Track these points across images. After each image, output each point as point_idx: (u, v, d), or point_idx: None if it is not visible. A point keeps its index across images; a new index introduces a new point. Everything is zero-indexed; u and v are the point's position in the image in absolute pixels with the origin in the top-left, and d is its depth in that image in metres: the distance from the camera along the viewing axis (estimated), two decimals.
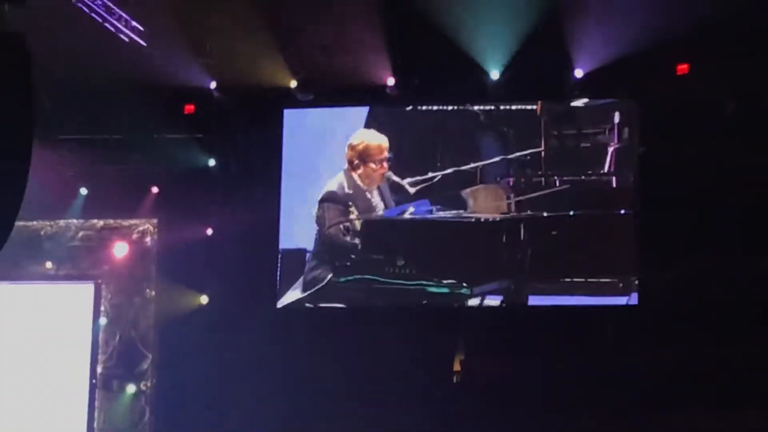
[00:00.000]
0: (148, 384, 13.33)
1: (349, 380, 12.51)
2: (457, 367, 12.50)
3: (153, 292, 13.41)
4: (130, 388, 13.32)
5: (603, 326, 12.18)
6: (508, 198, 12.24)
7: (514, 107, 12.45)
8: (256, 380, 12.68)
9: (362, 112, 12.74)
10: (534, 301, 12.20)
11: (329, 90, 12.79)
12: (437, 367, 12.47)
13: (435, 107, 12.64)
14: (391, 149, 12.43)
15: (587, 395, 11.94)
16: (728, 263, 11.78)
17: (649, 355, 11.89)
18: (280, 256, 12.79)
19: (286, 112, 13.08)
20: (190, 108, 13.14)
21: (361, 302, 12.47)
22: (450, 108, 12.66)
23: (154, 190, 13.30)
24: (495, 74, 12.36)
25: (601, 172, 12.21)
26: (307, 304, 12.64)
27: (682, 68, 12.01)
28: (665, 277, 11.90)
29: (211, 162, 13.25)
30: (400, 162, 12.49)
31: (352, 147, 12.48)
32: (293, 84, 12.82)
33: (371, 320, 12.56)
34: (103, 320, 13.43)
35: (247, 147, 13.16)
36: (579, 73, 12.23)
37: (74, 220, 13.55)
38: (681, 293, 11.83)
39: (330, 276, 12.55)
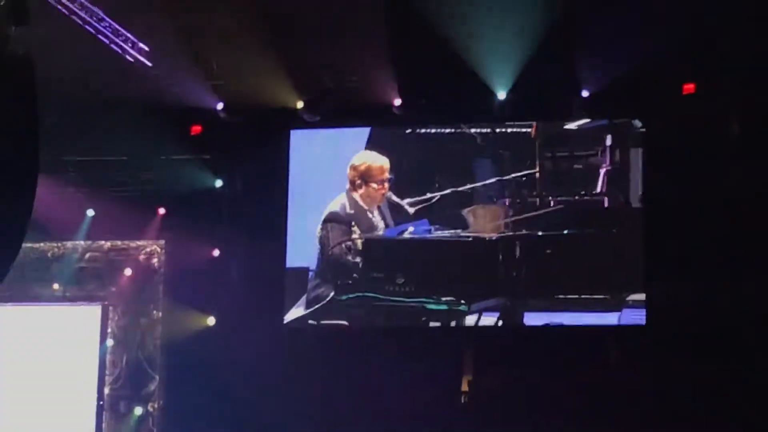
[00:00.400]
0: (155, 405, 13.31)
1: (356, 399, 12.50)
2: (465, 387, 12.53)
3: (160, 314, 13.41)
4: (137, 410, 13.31)
5: (607, 345, 12.24)
6: (506, 217, 12.36)
7: (509, 130, 12.65)
8: (264, 401, 12.66)
9: (363, 133, 12.89)
10: (530, 316, 12.37)
11: (336, 111, 12.81)
12: (438, 385, 12.47)
13: (433, 130, 12.79)
14: (391, 170, 12.57)
15: (590, 413, 11.94)
16: (735, 282, 11.76)
17: (655, 374, 11.88)
18: (285, 276, 12.89)
19: (293, 133, 13.11)
20: (196, 129, 13.17)
21: (362, 319, 12.62)
22: (448, 131, 12.82)
23: (161, 211, 13.31)
24: (501, 95, 12.41)
25: (594, 192, 12.37)
26: (311, 321, 12.73)
27: (688, 88, 12.04)
28: (672, 297, 11.89)
29: (218, 183, 13.26)
30: (400, 183, 12.68)
31: (354, 167, 12.65)
32: (300, 105, 12.84)
33: (377, 340, 12.58)
34: (110, 342, 13.43)
35: (253, 168, 13.17)
36: (585, 93, 12.26)
37: (81, 242, 13.55)
38: (687, 313, 11.83)
39: (332, 294, 12.66)
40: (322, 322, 12.72)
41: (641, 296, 12.09)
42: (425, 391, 12.36)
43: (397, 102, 12.67)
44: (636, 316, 12.08)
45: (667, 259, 11.94)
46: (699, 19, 11.12)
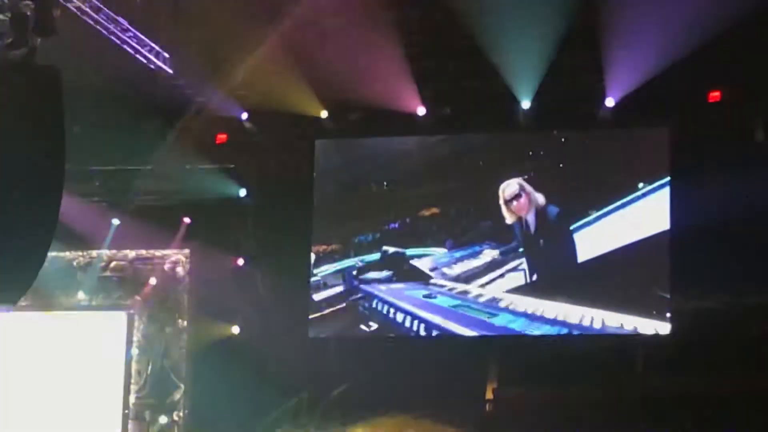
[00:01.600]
0: (180, 414, 13.32)
1: (381, 407, 12.48)
2: (489, 395, 12.55)
3: (185, 322, 13.43)
4: (162, 419, 13.32)
5: (634, 356, 12.25)
6: None
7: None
8: (288, 410, 12.67)
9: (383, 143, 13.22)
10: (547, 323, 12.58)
11: (360, 120, 12.84)
12: (462, 392, 12.48)
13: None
14: (414, 177, 13.00)
15: (615, 421, 11.93)
16: (762, 291, 11.73)
17: (678, 385, 11.86)
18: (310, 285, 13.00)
19: (317, 142, 13.14)
20: (222, 138, 13.20)
21: (381, 322, 12.96)
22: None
23: (186, 220, 13.34)
24: (526, 103, 12.43)
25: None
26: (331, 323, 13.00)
27: (714, 95, 12.02)
28: (697, 308, 11.87)
29: (243, 192, 13.29)
30: (415, 188, 13.05)
31: None
32: (324, 114, 12.86)
33: (401, 349, 12.61)
34: (135, 350, 13.45)
35: (278, 177, 13.19)
36: (610, 101, 12.27)
37: (106, 251, 13.58)
38: (713, 325, 11.80)
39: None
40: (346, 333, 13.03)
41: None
42: (448, 397, 12.35)
43: (421, 111, 12.69)
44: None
45: (693, 268, 11.89)
46: (724, 26, 11.10)
